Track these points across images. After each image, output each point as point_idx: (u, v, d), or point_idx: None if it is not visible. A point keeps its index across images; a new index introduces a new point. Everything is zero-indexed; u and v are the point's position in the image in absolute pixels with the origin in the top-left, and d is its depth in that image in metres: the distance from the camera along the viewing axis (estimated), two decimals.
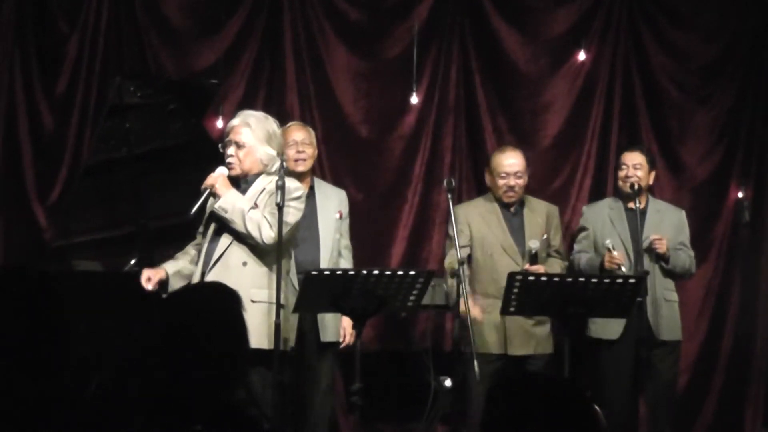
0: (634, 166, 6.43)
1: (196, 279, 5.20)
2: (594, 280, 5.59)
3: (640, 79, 7.53)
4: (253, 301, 5.05)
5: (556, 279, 5.64)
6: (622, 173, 6.47)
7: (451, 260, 6.13)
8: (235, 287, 4.92)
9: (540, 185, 7.33)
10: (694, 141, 7.55)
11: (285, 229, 5.13)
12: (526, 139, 7.39)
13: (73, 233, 6.20)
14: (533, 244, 6.18)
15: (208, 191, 5.19)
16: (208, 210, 5.27)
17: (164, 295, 5.23)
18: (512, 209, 6.36)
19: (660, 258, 6.31)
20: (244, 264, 5.15)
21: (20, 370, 2.34)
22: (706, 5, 7.58)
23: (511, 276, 5.62)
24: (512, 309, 5.63)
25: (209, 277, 5.10)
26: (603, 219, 6.48)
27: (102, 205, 6.19)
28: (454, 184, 6.11)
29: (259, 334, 5.03)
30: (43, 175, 6.99)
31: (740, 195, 7.39)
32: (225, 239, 5.19)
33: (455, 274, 5.71)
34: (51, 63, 7.04)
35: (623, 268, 6.20)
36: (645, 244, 6.28)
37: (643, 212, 6.31)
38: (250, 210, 5.12)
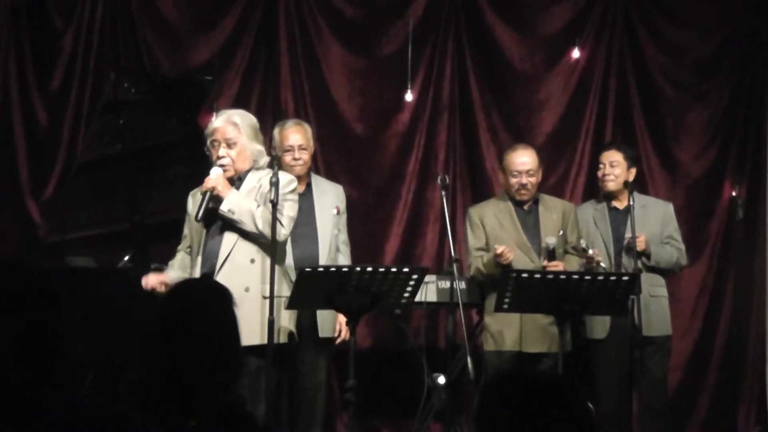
0: (611, 164, 6.43)
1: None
2: (588, 277, 5.60)
3: (635, 77, 7.53)
4: (264, 298, 5.09)
5: (550, 276, 5.64)
6: (599, 172, 6.48)
7: (474, 270, 6.23)
8: (246, 285, 5.02)
9: None
10: (689, 138, 7.56)
11: (291, 224, 5.23)
12: (520, 137, 7.39)
13: (68, 229, 6.20)
14: (550, 240, 6.16)
15: (209, 194, 5.17)
16: (203, 212, 5.21)
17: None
18: (526, 207, 6.34)
19: (641, 254, 6.30)
20: (252, 261, 5.17)
21: (14, 367, 2.33)
22: (702, 3, 7.58)
23: (506, 273, 5.62)
24: (506, 306, 5.64)
25: (218, 277, 5.11)
26: (588, 220, 6.49)
27: (96, 202, 6.18)
28: (448, 181, 6.11)
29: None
30: (37, 171, 6.98)
31: (734, 193, 7.39)
32: (229, 238, 5.19)
33: (449, 272, 5.73)
34: (46, 59, 7.04)
35: (603, 264, 6.20)
36: (624, 243, 6.29)
37: (627, 210, 6.30)
38: (258, 209, 5.13)
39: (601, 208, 6.51)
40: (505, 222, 6.28)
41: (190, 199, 5.41)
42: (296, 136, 6.05)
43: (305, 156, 6.05)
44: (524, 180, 6.27)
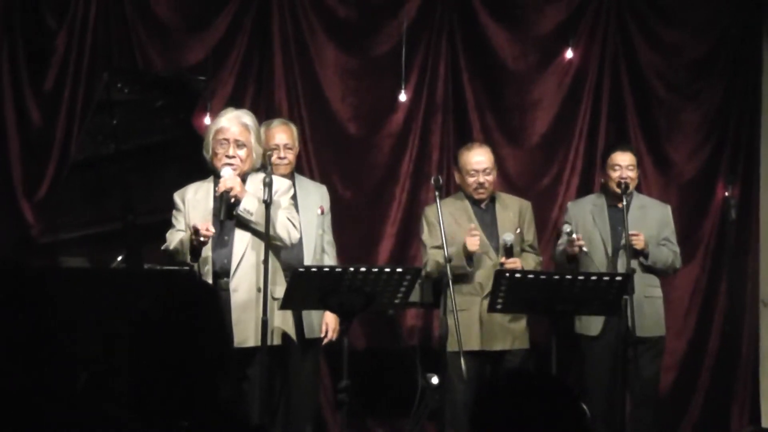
0: (628, 167, 6.44)
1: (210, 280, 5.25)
2: (581, 277, 5.61)
3: (629, 77, 7.54)
4: (273, 298, 5.17)
5: (543, 277, 5.66)
6: (615, 174, 6.44)
7: (431, 265, 6.19)
8: (259, 285, 5.09)
9: (528, 183, 7.35)
10: (682, 138, 7.57)
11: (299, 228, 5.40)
12: (514, 137, 7.41)
13: (61, 229, 6.19)
14: (507, 237, 6.18)
15: (226, 195, 5.20)
16: (224, 213, 5.24)
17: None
18: (483, 205, 6.36)
19: (639, 254, 6.32)
20: (263, 262, 5.20)
21: (8, 368, 2.33)
22: (696, 3, 7.59)
23: (499, 273, 5.64)
24: (499, 306, 5.65)
25: (235, 278, 5.19)
26: (585, 215, 6.51)
27: (89, 201, 6.17)
28: (441, 181, 6.12)
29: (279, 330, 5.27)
30: (30, 171, 6.97)
31: (727, 193, 7.40)
32: (242, 239, 5.25)
33: (443, 273, 5.72)
34: (39, 59, 7.02)
35: (585, 249, 6.23)
36: (623, 241, 6.30)
37: (626, 209, 6.31)
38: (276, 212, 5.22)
39: (601, 204, 6.53)
40: (461, 220, 6.29)
41: (176, 198, 5.43)
42: (282, 135, 6.07)
43: (290, 156, 6.07)
44: (482, 179, 6.30)
